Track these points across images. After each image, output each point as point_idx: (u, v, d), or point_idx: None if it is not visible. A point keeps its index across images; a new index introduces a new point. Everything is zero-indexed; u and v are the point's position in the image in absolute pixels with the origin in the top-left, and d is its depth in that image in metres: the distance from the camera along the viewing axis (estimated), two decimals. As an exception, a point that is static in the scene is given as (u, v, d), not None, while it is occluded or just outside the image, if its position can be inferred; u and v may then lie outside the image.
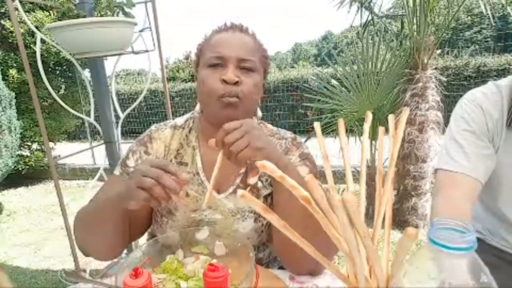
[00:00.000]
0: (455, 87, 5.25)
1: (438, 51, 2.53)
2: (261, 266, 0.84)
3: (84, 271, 1.90)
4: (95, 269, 2.12)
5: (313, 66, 9.77)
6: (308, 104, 2.87)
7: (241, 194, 0.37)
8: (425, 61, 2.34)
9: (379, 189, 0.45)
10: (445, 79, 2.45)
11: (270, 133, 0.89)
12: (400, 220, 2.56)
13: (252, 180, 0.78)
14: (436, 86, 2.38)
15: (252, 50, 0.78)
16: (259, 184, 0.81)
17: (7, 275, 0.42)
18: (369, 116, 0.52)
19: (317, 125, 0.48)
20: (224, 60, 0.75)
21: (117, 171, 0.84)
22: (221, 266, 0.44)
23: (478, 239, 0.90)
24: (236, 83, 0.74)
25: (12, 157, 3.56)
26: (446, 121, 2.62)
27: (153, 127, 0.89)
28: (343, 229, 0.35)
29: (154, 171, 0.60)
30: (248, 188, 0.80)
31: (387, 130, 0.50)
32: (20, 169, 4.39)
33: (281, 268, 0.88)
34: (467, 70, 5.49)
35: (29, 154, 4.55)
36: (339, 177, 3.23)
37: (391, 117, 0.50)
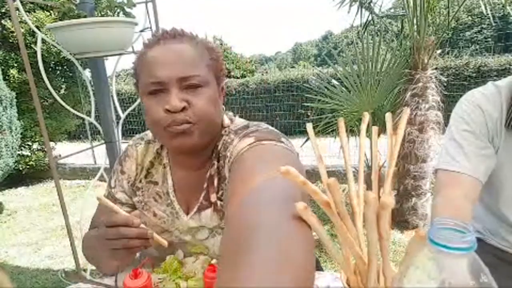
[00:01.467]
0: (455, 87, 5.25)
1: (439, 51, 2.53)
2: None
3: (85, 270, 1.90)
4: (96, 268, 2.12)
5: (313, 66, 9.77)
6: (308, 104, 2.87)
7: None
8: (426, 61, 2.34)
9: (375, 188, 0.45)
10: (445, 79, 2.45)
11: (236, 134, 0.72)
12: (400, 220, 2.56)
13: (212, 197, 0.73)
14: (436, 86, 2.38)
15: (194, 61, 0.65)
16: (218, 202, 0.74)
17: (8, 275, 0.42)
18: (366, 116, 0.52)
19: (309, 126, 0.48)
20: (164, 84, 0.64)
21: (105, 192, 0.84)
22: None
23: (478, 239, 0.90)
24: (183, 109, 0.64)
25: (12, 156, 3.56)
26: (446, 121, 2.62)
27: (131, 141, 0.84)
28: (368, 228, 0.36)
29: (113, 233, 0.60)
30: (212, 206, 0.74)
31: (385, 130, 0.50)
32: (20, 168, 4.39)
33: None
34: (467, 70, 5.49)
35: (29, 154, 4.55)
36: (339, 176, 3.23)
37: (388, 116, 0.50)
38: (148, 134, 0.84)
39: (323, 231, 0.43)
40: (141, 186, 0.79)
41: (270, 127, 0.70)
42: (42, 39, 1.55)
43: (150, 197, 0.78)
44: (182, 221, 0.76)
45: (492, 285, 0.27)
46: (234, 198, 0.46)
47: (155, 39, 0.68)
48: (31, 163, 4.48)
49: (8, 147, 3.43)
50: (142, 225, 0.62)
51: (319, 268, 1.00)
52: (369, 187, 0.46)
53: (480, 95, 0.84)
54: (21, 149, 4.38)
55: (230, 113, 0.80)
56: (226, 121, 0.75)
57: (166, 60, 0.64)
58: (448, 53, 5.95)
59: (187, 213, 0.76)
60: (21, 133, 3.81)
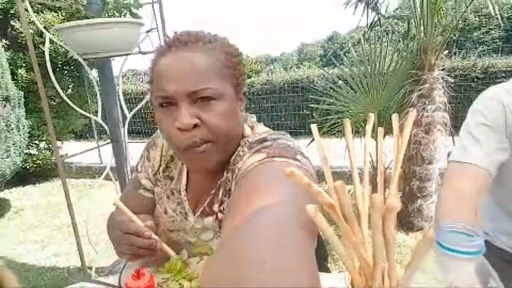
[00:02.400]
0: (462, 88, 5.19)
1: (445, 52, 2.50)
2: None
3: (90, 268, 1.92)
4: (101, 266, 2.14)
5: (319, 67, 9.74)
6: (313, 105, 2.87)
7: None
8: (432, 62, 2.32)
9: (381, 190, 0.45)
10: (452, 80, 2.43)
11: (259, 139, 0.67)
12: (405, 222, 2.54)
13: (215, 207, 0.71)
14: (443, 87, 2.36)
15: (206, 72, 0.60)
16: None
17: (16, 276, 0.43)
18: (371, 117, 0.52)
19: (314, 127, 0.48)
20: (172, 98, 0.60)
21: (133, 174, 0.86)
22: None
23: (485, 241, 0.89)
24: (195, 126, 0.60)
25: (20, 155, 3.60)
26: (453, 123, 2.60)
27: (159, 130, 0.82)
28: (374, 231, 0.36)
29: (125, 240, 0.65)
30: (214, 215, 0.72)
31: (392, 131, 0.50)
32: (28, 167, 4.44)
33: None
34: (474, 71, 5.43)
35: (36, 153, 4.60)
36: (344, 177, 3.22)
37: (395, 117, 0.50)
38: None
39: (332, 232, 0.42)
40: (160, 179, 0.80)
41: (290, 141, 0.64)
42: (50, 39, 1.57)
43: (165, 192, 0.78)
44: (190, 223, 0.75)
45: (499, 289, 0.26)
46: (230, 219, 0.45)
47: (166, 46, 0.63)
48: (38, 161, 4.53)
49: (16, 146, 3.47)
50: (154, 236, 0.66)
51: (326, 269, 1.00)
52: (374, 188, 0.46)
53: (502, 90, 0.84)
54: (29, 148, 4.43)
55: (253, 119, 0.76)
56: (247, 130, 0.71)
57: (174, 73, 0.59)
58: (455, 54, 5.89)
59: (194, 214, 0.75)
60: (29, 132, 3.85)
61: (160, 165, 0.79)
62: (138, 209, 0.76)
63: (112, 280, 0.73)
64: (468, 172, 0.77)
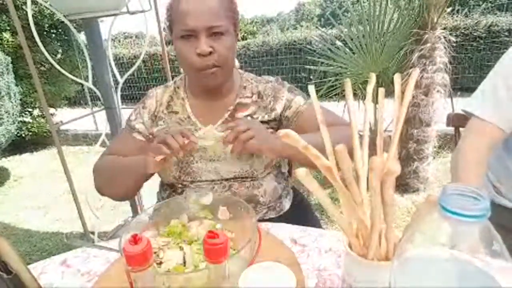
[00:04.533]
0: (464, 48, 5.06)
1: (449, 9, 2.40)
2: (259, 203, 0.92)
3: (93, 233, 1.96)
4: (103, 231, 2.19)
5: (316, 27, 9.42)
6: (311, 67, 2.79)
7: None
8: (435, 20, 2.23)
9: (380, 153, 0.44)
10: (455, 40, 2.35)
11: (255, 80, 0.98)
12: (400, 184, 2.59)
13: (240, 115, 0.91)
14: (445, 47, 2.29)
15: (219, 12, 0.80)
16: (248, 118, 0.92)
17: (19, 237, 0.42)
18: (373, 78, 0.50)
19: (311, 88, 0.46)
20: (194, 31, 0.79)
21: (124, 125, 1.02)
22: (221, 233, 0.44)
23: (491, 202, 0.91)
24: (210, 53, 0.80)
25: (14, 123, 3.56)
26: (453, 84, 2.55)
27: (152, 88, 1.01)
28: (373, 193, 0.36)
29: (173, 131, 0.77)
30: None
31: (390, 93, 0.48)
32: (23, 135, 4.41)
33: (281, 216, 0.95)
34: (476, 30, 5.26)
35: (31, 120, 4.55)
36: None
37: (397, 77, 0.48)
38: (166, 84, 1.01)
39: (325, 196, 0.42)
40: (163, 116, 0.95)
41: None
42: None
43: (173, 123, 0.94)
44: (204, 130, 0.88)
45: (503, 253, 0.26)
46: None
47: None
48: (33, 129, 4.49)
49: (8, 114, 3.42)
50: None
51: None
52: (372, 151, 0.45)
53: None
54: (22, 116, 4.37)
55: None
56: (236, 62, 0.96)
57: (197, 11, 0.79)
58: (458, 12, 5.67)
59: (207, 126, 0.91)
60: (21, 99, 3.77)
61: (156, 107, 0.96)
62: (129, 148, 0.94)
63: (113, 244, 0.75)
64: (487, 131, 0.82)
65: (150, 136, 0.96)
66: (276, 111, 0.93)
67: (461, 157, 0.83)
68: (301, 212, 1.04)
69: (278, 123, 0.94)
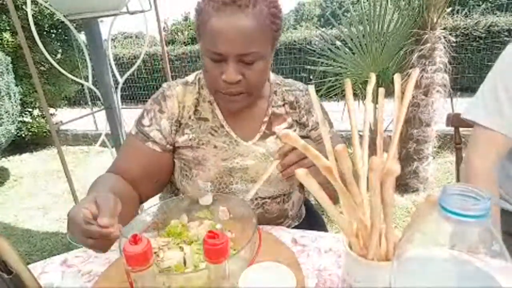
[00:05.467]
0: (463, 48, 5.06)
1: (449, 10, 2.40)
2: (287, 217, 0.89)
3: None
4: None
5: (316, 27, 9.42)
6: (311, 67, 2.79)
7: (284, 133, 0.41)
8: (435, 20, 2.23)
9: (380, 153, 0.44)
10: (455, 40, 2.35)
11: (283, 84, 0.90)
12: (400, 184, 2.58)
13: (277, 128, 0.85)
14: (444, 47, 2.29)
15: (254, 37, 0.70)
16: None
17: (19, 238, 0.42)
18: (373, 78, 0.50)
19: (311, 88, 0.46)
20: (223, 56, 0.71)
21: (133, 131, 0.84)
22: (221, 233, 0.45)
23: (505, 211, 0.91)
24: (238, 81, 0.72)
25: (13, 123, 3.55)
26: (453, 84, 2.55)
27: (164, 85, 0.87)
28: (372, 193, 0.36)
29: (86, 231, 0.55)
30: (275, 136, 0.85)
31: (390, 93, 0.48)
32: (23, 135, 4.40)
33: (296, 227, 0.92)
34: (476, 30, 5.25)
35: (30, 120, 4.54)
36: (341, 140, 3.22)
37: (397, 77, 0.48)
38: (181, 80, 0.88)
39: (324, 196, 0.42)
40: (191, 123, 0.83)
41: None
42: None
43: (205, 132, 0.83)
44: (243, 147, 0.83)
45: (503, 253, 0.26)
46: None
47: (222, 3, 0.68)
48: (33, 129, 4.48)
49: (8, 114, 3.41)
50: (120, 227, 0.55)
51: (324, 229, 1.02)
52: (372, 151, 0.45)
53: None
54: (22, 116, 4.36)
55: None
56: (271, 76, 0.90)
57: (229, 36, 0.68)
58: (457, 12, 5.67)
59: (245, 141, 0.84)
60: (21, 99, 3.76)
61: (179, 112, 0.83)
62: (143, 163, 0.81)
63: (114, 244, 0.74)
64: (493, 140, 0.81)
65: (169, 147, 0.83)
66: (308, 127, 0.88)
67: (470, 167, 0.82)
68: (312, 216, 1.03)
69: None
